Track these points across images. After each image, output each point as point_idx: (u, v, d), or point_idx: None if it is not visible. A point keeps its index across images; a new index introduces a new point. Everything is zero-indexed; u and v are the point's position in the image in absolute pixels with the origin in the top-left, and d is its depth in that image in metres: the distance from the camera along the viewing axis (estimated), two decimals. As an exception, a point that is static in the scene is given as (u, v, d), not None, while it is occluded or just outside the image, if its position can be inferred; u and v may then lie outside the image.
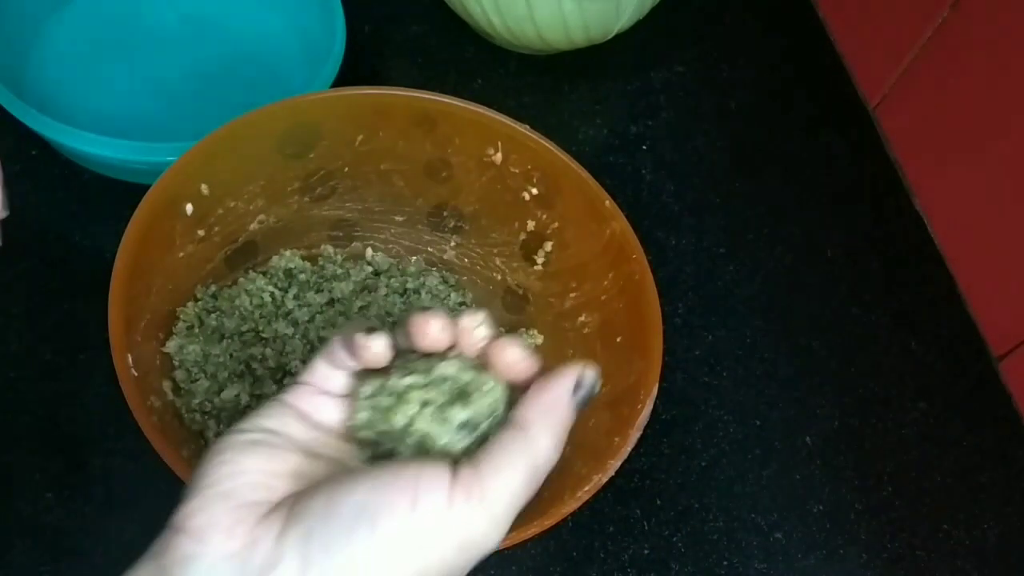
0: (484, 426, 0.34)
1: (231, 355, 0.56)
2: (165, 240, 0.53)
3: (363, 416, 0.35)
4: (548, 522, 0.45)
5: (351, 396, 0.36)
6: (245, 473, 0.32)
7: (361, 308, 0.59)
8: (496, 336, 0.36)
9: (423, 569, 0.30)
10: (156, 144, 0.58)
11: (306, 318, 0.58)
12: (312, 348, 0.57)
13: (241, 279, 0.59)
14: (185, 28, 0.72)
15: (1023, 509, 0.62)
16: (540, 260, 0.60)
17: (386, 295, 0.60)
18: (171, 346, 0.55)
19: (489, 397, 0.34)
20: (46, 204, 0.64)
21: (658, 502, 0.60)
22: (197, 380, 0.54)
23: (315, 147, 0.57)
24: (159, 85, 0.69)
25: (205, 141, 0.52)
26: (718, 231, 0.71)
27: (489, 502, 0.31)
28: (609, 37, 0.72)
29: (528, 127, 0.56)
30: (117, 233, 0.49)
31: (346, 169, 0.59)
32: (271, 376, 0.56)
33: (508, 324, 0.61)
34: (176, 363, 0.55)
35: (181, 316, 0.56)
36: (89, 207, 0.64)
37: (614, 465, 0.47)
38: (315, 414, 0.36)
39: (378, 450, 0.35)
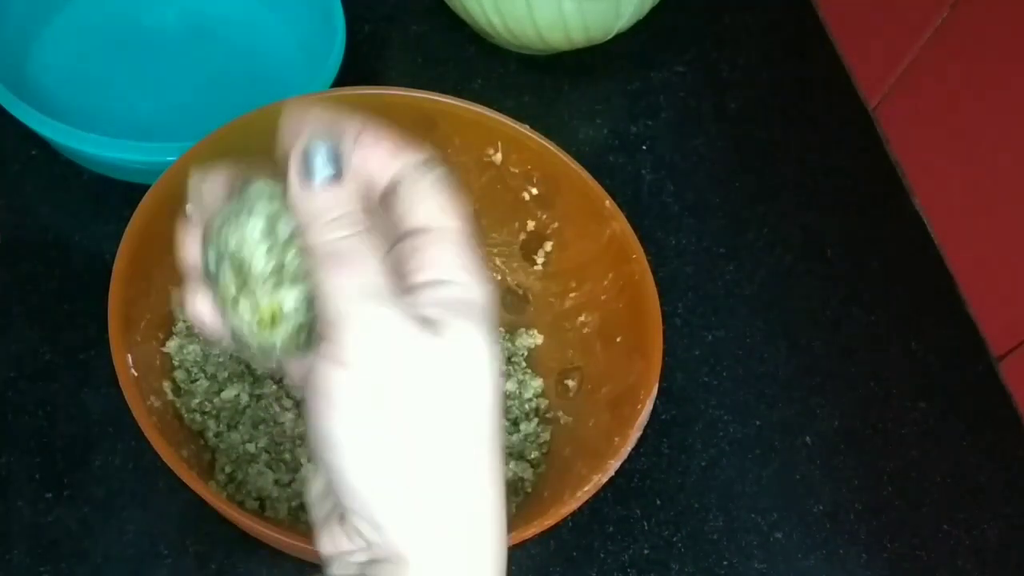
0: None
1: (231, 355, 0.56)
2: (165, 240, 0.53)
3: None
4: (548, 522, 0.45)
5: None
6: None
7: (361, 308, 0.59)
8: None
9: (391, 424, 0.28)
10: (156, 144, 0.58)
11: (306, 318, 0.58)
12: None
13: (241, 279, 0.59)
14: (185, 28, 0.72)
15: (1023, 509, 0.62)
16: (540, 260, 0.60)
17: (386, 295, 0.60)
18: (171, 346, 0.55)
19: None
20: (46, 204, 0.64)
21: (658, 502, 0.60)
22: (197, 380, 0.54)
23: (315, 147, 0.57)
24: (159, 85, 0.69)
25: (205, 141, 0.52)
26: (718, 231, 0.71)
27: (344, 333, 0.28)
28: (609, 37, 0.72)
29: (528, 127, 0.56)
30: (117, 233, 0.49)
31: (346, 169, 0.59)
32: (271, 376, 0.56)
33: (508, 324, 0.61)
34: (176, 363, 0.55)
35: (181, 316, 0.56)
36: (89, 207, 0.64)
37: (614, 465, 0.47)
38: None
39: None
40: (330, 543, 0.31)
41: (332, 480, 0.29)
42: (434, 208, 0.31)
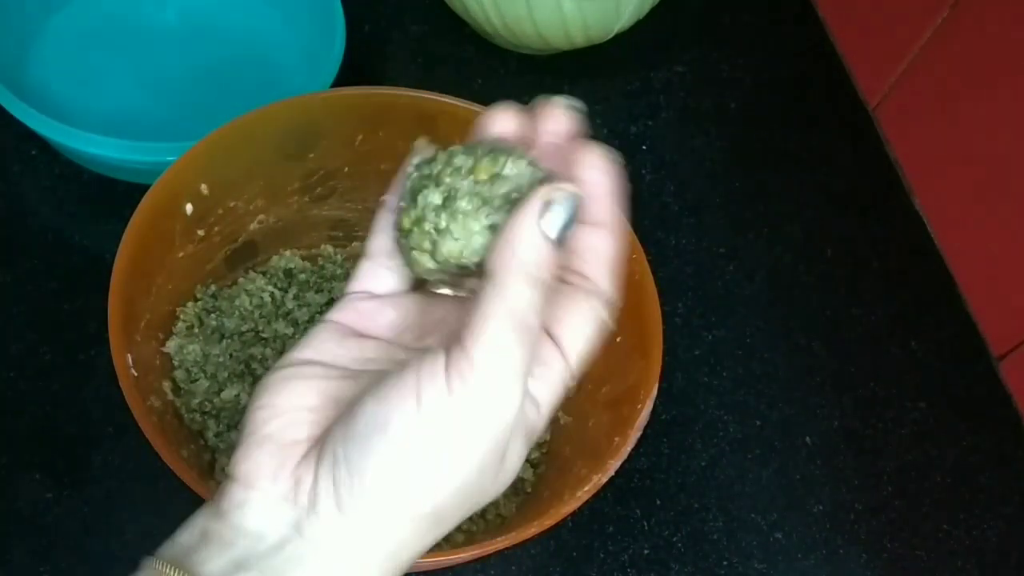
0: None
1: (231, 355, 0.56)
2: (165, 240, 0.53)
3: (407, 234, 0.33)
4: (548, 522, 0.45)
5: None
6: (282, 412, 0.32)
7: (361, 308, 0.59)
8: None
9: (455, 463, 0.30)
10: (156, 144, 0.58)
11: (306, 318, 0.58)
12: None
13: (241, 279, 0.59)
14: (185, 28, 0.72)
15: (1023, 509, 0.62)
16: (540, 260, 0.60)
17: (386, 295, 0.60)
18: (171, 346, 0.55)
19: (515, 169, 0.31)
20: (46, 204, 0.64)
21: (658, 502, 0.60)
22: (197, 380, 0.54)
23: (315, 147, 0.57)
24: (159, 85, 0.69)
25: (205, 141, 0.52)
26: (718, 231, 0.71)
27: (482, 373, 0.29)
28: (609, 37, 0.72)
29: (528, 127, 0.56)
30: (117, 233, 0.49)
31: (346, 169, 0.59)
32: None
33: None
34: (176, 363, 0.55)
35: (181, 316, 0.56)
36: (89, 207, 0.64)
37: (614, 465, 0.47)
38: (364, 322, 0.35)
39: (439, 276, 0.34)
40: (254, 468, 0.32)
41: (348, 437, 0.30)
42: (581, 336, 0.33)
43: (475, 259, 0.32)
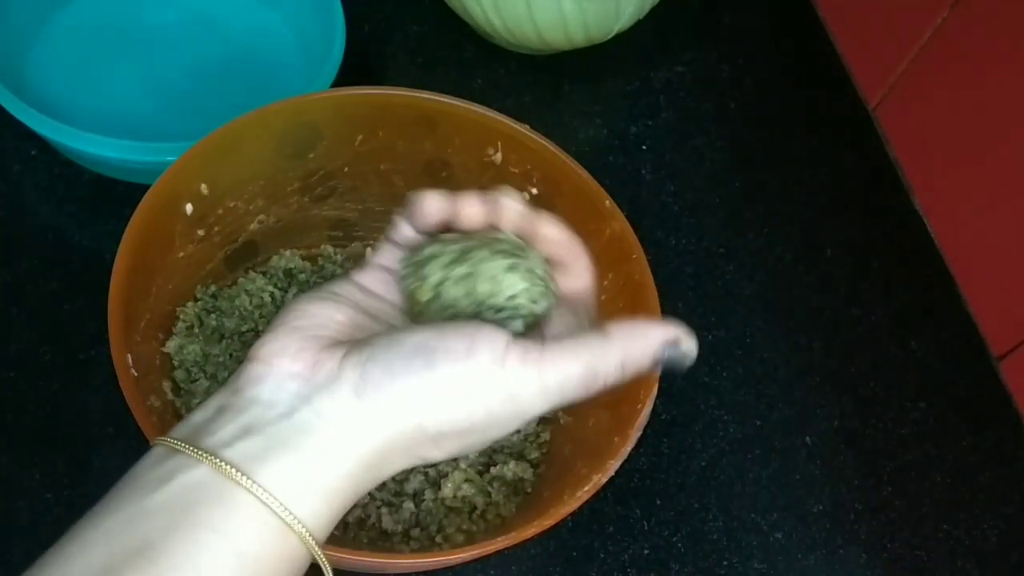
0: (526, 305, 0.36)
1: (231, 355, 0.56)
2: (165, 240, 0.53)
3: (404, 284, 0.38)
4: (548, 522, 0.45)
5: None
6: (313, 316, 0.36)
7: (361, 308, 0.59)
8: (531, 213, 0.38)
9: (468, 413, 0.33)
10: (156, 144, 0.58)
11: (306, 318, 0.58)
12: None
13: (241, 279, 0.59)
14: (185, 28, 0.72)
15: (1023, 509, 0.62)
16: (540, 260, 0.60)
17: (386, 295, 0.60)
18: (171, 346, 0.55)
19: (522, 270, 0.36)
20: (46, 204, 0.64)
21: (658, 502, 0.60)
22: (197, 380, 0.54)
23: (315, 147, 0.57)
24: (159, 85, 0.69)
25: (205, 141, 0.52)
26: (718, 231, 0.71)
27: (542, 370, 0.33)
28: (609, 37, 0.72)
29: (528, 127, 0.56)
30: (117, 233, 0.49)
31: (346, 169, 0.59)
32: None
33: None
34: (176, 363, 0.55)
35: (181, 316, 0.56)
36: (89, 207, 0.64)
37: (614, 465, 0.47)
38: (378, 288, 0.39)
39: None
40: (279, 348, 0.35)
41: (392, 346, 0.34)
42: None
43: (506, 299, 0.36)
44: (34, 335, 0.59)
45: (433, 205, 0.37)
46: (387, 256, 0.40)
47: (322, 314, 0.36)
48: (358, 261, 0.62)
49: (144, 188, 0.51)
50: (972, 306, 0.69)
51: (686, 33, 0.80)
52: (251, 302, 0.58)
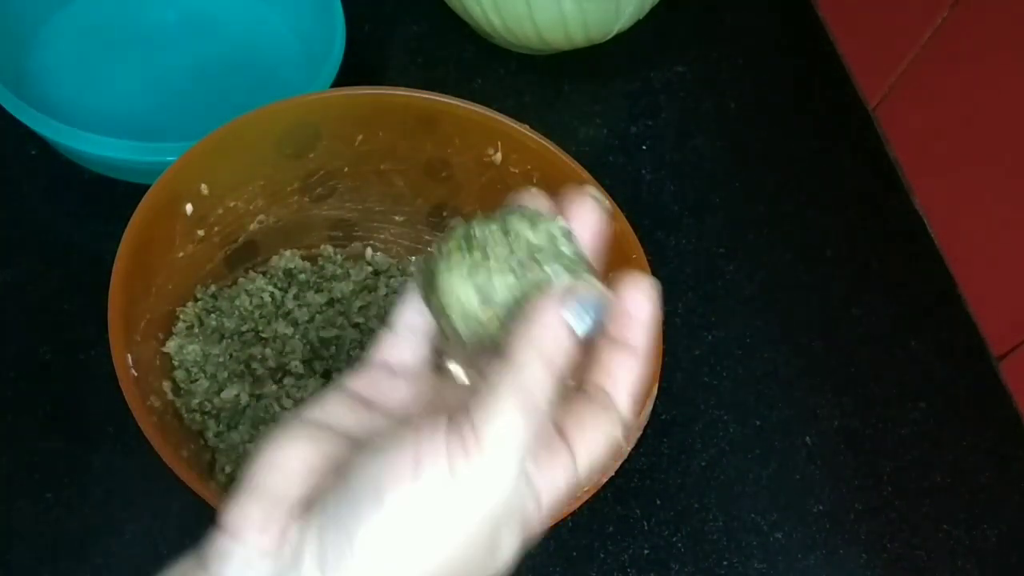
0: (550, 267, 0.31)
1: (231, 355, 0.56)
2: (165, 240, 0.53)
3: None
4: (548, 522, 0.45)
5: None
6: (281, 469, 0.32)
7: (361, 308, 0.59)
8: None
9: (446, 546, 0.29)
10: (156, 144, 0.58)
11: (306, 318, 0.58)
12: (312, 348, 0.57)
13: (241, 279, 0.59)
14: (185, 28, 0.72)
15: (1023, 509, 0.62)
16: (540, 260, 0.60)
17: (386, 295, 0.60)
18: (171, 346, 0.55)
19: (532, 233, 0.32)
20: (46, 204, 0.64)
21: (658, 502, 0.60)
22: (197, 380, 0.54)
23: (315, 147, 0.57)
24: (159, 85, 0.69)
25: (205, 141, 0.52)
26: (718, 231, 0.71)
27: (488, 454, 0.29)
28: (609, 37, 0.72)
29: (528, 127, 0.56)
30: (117, 233, 0.49)
31: (346, 169, 0.59)
32: (271, 376, 0.56)
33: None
34: (176, 363, 0.55)
35: (181, 316, 0.56)
36: (89, 207, 0.64)
37: (614, 465, 0.47)
38: (377, 393, 0.35)
39: (462, 351, 0.34)
40: (242, 520, 0.31)
41: (341, 499, 0.29)
42: (592, 445, 0.33)
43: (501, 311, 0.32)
44: (34, 335, 0.59)
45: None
46: (388, 349, 0.36)
47: (291, 461, 0.32)
48: (358, 261, 0.62)
49: (144, 188, 0.51)
50: (972, 306, 0.69)
51: (686, 33, 0.80)
52: (251, 302, 0.58)
